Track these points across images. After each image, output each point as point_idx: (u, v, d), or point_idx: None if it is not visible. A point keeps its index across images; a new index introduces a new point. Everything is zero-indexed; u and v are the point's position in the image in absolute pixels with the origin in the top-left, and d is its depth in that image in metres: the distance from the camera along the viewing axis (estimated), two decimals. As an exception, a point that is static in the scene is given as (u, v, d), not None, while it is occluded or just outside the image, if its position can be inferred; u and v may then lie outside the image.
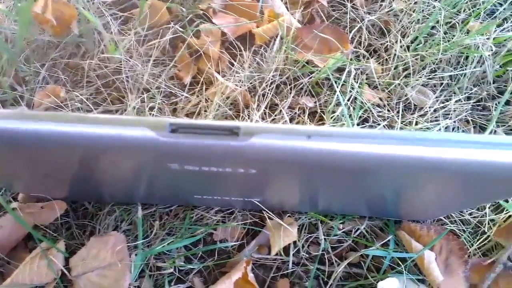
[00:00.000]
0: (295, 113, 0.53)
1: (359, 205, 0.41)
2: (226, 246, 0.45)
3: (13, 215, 0.42)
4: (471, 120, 0.53)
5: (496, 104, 0.55)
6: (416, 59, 0.57)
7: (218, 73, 0.55)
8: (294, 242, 0.45)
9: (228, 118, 0.51)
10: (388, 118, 0.53)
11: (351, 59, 0.57)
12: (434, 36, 0.59)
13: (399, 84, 0.55)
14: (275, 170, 0.27)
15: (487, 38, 0.57)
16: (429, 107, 0.53)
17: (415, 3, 0.61)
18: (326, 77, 0.55)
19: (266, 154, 0.23)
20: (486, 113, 0.55)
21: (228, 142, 0.22)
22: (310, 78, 0.55)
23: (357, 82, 0.54)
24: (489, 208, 0.48)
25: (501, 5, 0.64)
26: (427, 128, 0.51)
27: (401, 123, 0.52)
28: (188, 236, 0.45)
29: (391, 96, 0.55)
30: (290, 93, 0.54)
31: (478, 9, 0.61)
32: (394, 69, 0.56)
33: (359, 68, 0.56)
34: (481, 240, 0.46)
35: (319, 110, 0.53)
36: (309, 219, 0.46)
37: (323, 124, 0.52)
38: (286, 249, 0.45)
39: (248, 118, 0.51)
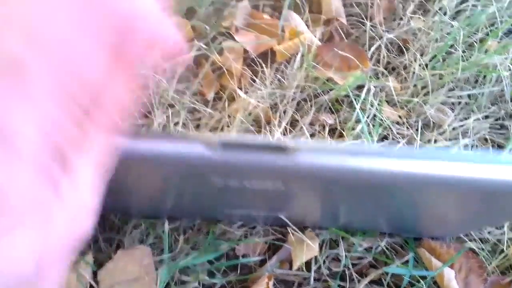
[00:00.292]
0: (316, 129, 0.54)
1: (381, 221, 0.42)
2: (248, 261, 0.46)
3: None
4: (490, 138, 0.54)
5: (514, 123, 0.56)
6: (435, 77, 0.58)
7: (240, 89, 0.56)
8: (315, 258, 0.46)
9: (250, 134, 0.53)
10: (407, 136, 0.53)
11: (370, 77, 0.58)
12: (452, 54, 0.60)
13: (418, 102, 0.56)
14: (315, 186, 0.28)
15: (505, 58, 0.58)
16: (448, 125, 0.54)
17: (433, 22, 0.62)
18: (345, 94, 0.56)
19: (313, 171, 0.24)
20: (504, 131, 0.55)
21: (277, 159, 0.23)
22: (330, 95, 0.56)
23: (376, 100, 0.55)
24: (507, 226, 0.48)
25: (518, 24, 0.65)
26: (446, 146, 0.52)
27: (420, 141, 0.53)
28: (211, 251, 0.46)
29: (410, 113, 0.56)
30: (311, 109, 0.55)
31: (496, 28, 0.62)
32: (413, 87, 0.57)
33: (378, 86, 0.57)
34: (500, 258, 0.47)
35: (338, 127, 0.54)
36: (330, 235, 0.47)
37: (343, 140, 0.53)
38: (307, 265, 0.46)
39: (270, 134, 0.53)
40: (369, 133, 0.52)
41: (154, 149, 0.22)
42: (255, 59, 0.59)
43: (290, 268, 0.46)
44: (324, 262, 0.46)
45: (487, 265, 0.46)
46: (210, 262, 0.46)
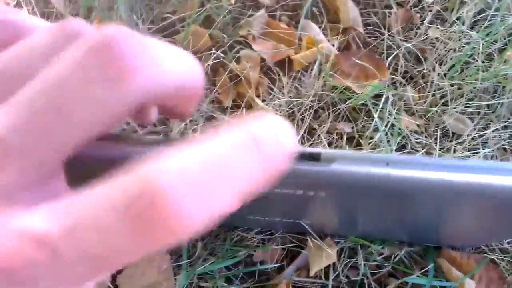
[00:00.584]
0: (333, 138, 0.54)
1: (402, 230, 0.41)
2: (266, 268, 0.46)
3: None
4: (509, 149, 0.54)
5: (533, 133, 0.55)
6: (453, 87, 0.57)
7: (258, 97, 0.56)
8: (334, 266, 0.46)
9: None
10: (426, 146, 0.53)
11: (388, 86, 0.58)
12: (471, 64, 0.60)
13: (436, 112, 0.55)
14: (344, 194, 0.28)
15: (525, 68, 0.58)
16: (467, 135, 0.54)
17: (451, 32, 0.62)
18: (363, 103, 0.56)
19: (346, 179, 0.24)
20: (524, 141, 0.55)
21: (311, 167, 0.23)
22: (348, 104, 0.56)
23: (394, 109, 0.55)
24: (528, 237, 0.48)
25: (537, 34, 0.64)
26: (466, 156, 0.52)
27: (439, 150, 0.52)
28: (229, 257, 0.46)
29: (428, 123, 0.55)
30: (328, 118, 0.55)
31: (515, 38, 0.62)
32: (432, 96, 0.57)
33: (396, 95, 0.57)
34: (520, 269, 0.46)
35: (356, 136, 0.54)
36: (348, 243, 0.47)
37: (361, 149, 0.53)
38: (325, 273, 0.46)
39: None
40: (388, 142, 0.52)
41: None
42: (272, 68, 0.59)
43: (308, 275, 0.45)
44: (342, 270, 0.46)
45: (507, 275, 0.46)
46: (227, 268, 0.46)
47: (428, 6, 0.65)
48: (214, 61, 0.59)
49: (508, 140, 0.54)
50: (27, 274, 0.14)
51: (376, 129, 0.53)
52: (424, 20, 0.64)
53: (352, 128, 0.55)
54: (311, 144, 0.53)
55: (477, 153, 0.52)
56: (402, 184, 0.24)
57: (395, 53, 0.61)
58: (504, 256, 0.47)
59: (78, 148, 0.16)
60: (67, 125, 0.15)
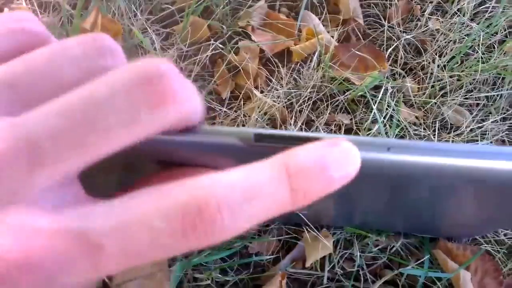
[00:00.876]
0: (331, 129, 0.54)
1: (400, 220, 0.41)
2: (262, 260, 0.46)
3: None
4: (507, 140, 0.54)
5: (533, 125, 0.55)
6: (453, 78, 0.57)
7: (256, 88, 0.56)
8: (330, 258, 0.46)
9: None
10: (424, 137, 0.53)
11: (387, 77, 0.58)
12: (470, 56, 0.60)
13: (435, 103, 0.55)
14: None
15: (525, 59, 0.57)
16: (466, 127, 0.54)
17: (452, 23, 0.62)
18: (362, 95, 0.56)
19: None
20: (523, 134, 0.55)
21: None
22: (346, 95, 0.56)
23: (393, 100, 0.55)
24: (525, 229, 0.48)
25: (539, 26, 0.64)
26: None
27: (437, 142, 0.52)
28: (224, 249, 0.46)
29: (427, 114, 0.55)
30: (327, 109, 0.55)
31: (516, 30, 0.62)
32: (431, 88, 0.56)
33: (395, 86, 0.57)
34: (517, 261, 0.46)
35: (354, 127, 0.54)
36: (344, 235, 0.47)
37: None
38: (321, 264, 0.46)
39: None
40: (386, 133, 0.52)
41: (189, 143, 0.22)
42: (271, 59, 0.59)
43: (304, 267, 0.45)
44: (338, 262, 0.46)
45: (502, 267, 0.45)
46: (223, 259, 0.46)
47: (429, -3, 0.65)
48: (212, 52, 0.58)
49: (507, 132, 0.54)
50: (63, 270, 0.15)
51: (374, 121, 0.53)
52: (424, 12, 0.64)
53: (351, 119, 0.55)
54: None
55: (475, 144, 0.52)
56: (404, 170, 0.23)
57: (395, 44, 0.61)
58: (500, 248, 0.47)
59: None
60: (102, 140, 0.16)
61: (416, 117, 0.55)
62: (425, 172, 0.24)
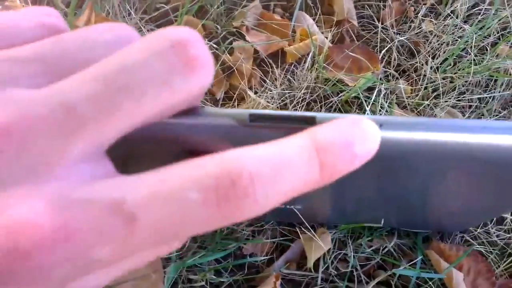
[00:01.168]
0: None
1: (391, 212, 0.41)
2: (256, 261, 0.46)
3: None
4: (500, 142, 0.54)
5: (525, 127, 0.55)
6: (446, 80, 0.58)
7: (250, 89, 0.56)
8: (324, 258, 0.46)
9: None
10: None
11: (380, 79, 0.58)
12: (463, 58, 0.60)
13: (428, 105, 0.56)
14: None
15: (517, 62, 0.58)
16: (458, 129, 0.54)
17: (445, 25, 0.62)
18: (355, 96, 0.56)
19: None
20: (515, 136, 0.55)
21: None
22: (340, 96, 0.56)
23: (386, 102, 0.55)
24: (517, 231, 0.48)
25: (530, 28, 0.64)
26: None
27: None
28: (219, 250, 0.46)
29: (420, 116, 0.55)
30: (320, 111, 0.55)
31: (508, 33, 0.62)
32: (424, 89, 0.57)
33: (388, 88, 0.57)
34: (508, 261, 0.47)
35: (348, 129, 0.54)
36: (338, 235, 0.47)
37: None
38: (315, 265, 0.46)
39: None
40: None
41: (184, 124, 0.22)
42: (266, 60, 0.59)
43: (298, 268, 0.46)
44: (332, 262, 0.46)
45: (495, 268, 0.46)
46: (217, 261, 0.46)
47: (422, -1, 0.65)
48: (206, 53, 0.58)
49: (499, 134, 0.54)
50: (97, 241, 0.14)
51: (368, 122, 0.53)
52: (418, 14, 0.64)
53: (344, 120, 0.55)
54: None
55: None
56: (397, 148, 0.23)
57: (388, 46, 0.61)
58: (493, 249, 0.47)
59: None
60: (137, 106, 0.16)
61: (410, 119, 0.55)
62: (419, 148, 0.23)
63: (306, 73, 0.57)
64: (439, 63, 0.59)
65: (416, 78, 0.58)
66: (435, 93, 0.57)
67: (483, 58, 0.60)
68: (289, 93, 0.56)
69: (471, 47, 0.60)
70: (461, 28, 0.62)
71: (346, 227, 0.46)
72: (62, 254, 0.14)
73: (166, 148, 0.24)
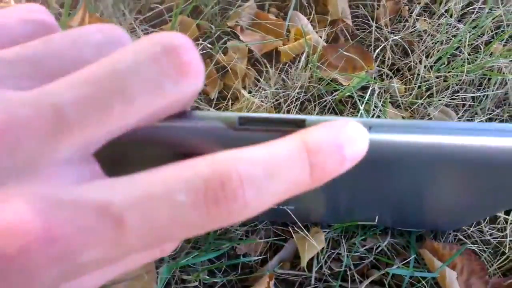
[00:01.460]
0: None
1: (384, 210, 0.41)
2: (249, 261, 0.46)
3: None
4: (494, 141, 0.54)
5: (518, 126, 0.55)
6: (439, 79, 0.58)
7: (244, 89, 0.56)
8: (317, 257, 0.46)
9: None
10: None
11: (374, 78, 0.58)
12: (457, 57, 0.60)
13: (422, 104, 0.56)
14: None
15: (510, 61, 0.58)
16: (452, 128, 0.54)
17: (439, 24, 0.62)
18: (349, 95, 0.56)
19: None
20: (509, 134, 0.55)
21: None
22: (334, 96, 0.56)
23: (380, 101, 0.55)
24: (510, 229, 0.48)
25: (524, 27, 0.64)
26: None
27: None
28: (212, 250, 0.46)
29: (413, 115, 0.56)
30: (314, 110, 0.55)
31: (502, 31, 0.62)
32: (418, 88, 0.57)
33: (382, 87, 0.57)
34: (501, 260, 0.47)
35: (342, 128, 0.54)
36: (332, 234, 0.47)
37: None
38: (308, 265, 0.46)
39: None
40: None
41: (173, 127, 0.22)
42: (260, 59, 0.59)
43: (291, 267, 0.46)
44: (325, 262, 0.46)
45: (488, 267, 0.46)
46: (210, 261, 0.46)
47: (416, -2, 0.65)
48: (201, 52, 0.58)
49: (493, 133, 0.55)
50: (84, 244, 0.14)
51: (361, 121, 0.53)
52: (412, 13, 0.64)
53: (338, 120, 0.55)
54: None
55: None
56: (387, 150, 0.23)
57: (382, 45, 0.61)
58: (486, 248, 0.47)
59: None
60: (127, 108, 0.16)
61: (403, 118, 0.55)
62: (409, 151, 0.23)
63: (300, 72, 0.57)
64: (433, 62, 0.59)
65: (410, 77, 0.58)
66: (429, 92, 0.57)
67: (476, 57, 0.60)
68: (283, 92, 0.56)
69: (464, 46, 0.60)
70: (455, 27, 0.62)
71: (339, 226, 0.46)
72: (48, 257, 0.14)
73: (157, 151, 0.24)
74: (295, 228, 0.46)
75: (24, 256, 0.13)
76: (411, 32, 0.62)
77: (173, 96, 0.17)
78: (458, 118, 0.55)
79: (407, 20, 0.64)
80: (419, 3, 0.65)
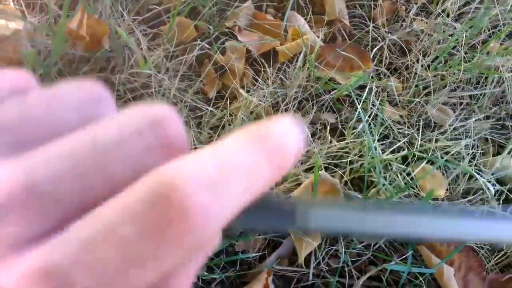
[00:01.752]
0: (317, 128, 0.54)
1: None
2: (248, 257, 0.46)
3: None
4: (490, 138, 0.54)
5: (515, 124, 0.56)
6: (436, 78, 0.58)
7: (243, 88, 0.57)
8: (315, 254, 0.46)
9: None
10: (408, 135, 0.54)
11: (372, 77, 0.58)
12: (454, 56, 0.60)
13: (419, 102, 0.56)
14: None
15: (507, 60, 0.58)
16: (449, 125, 0.54)
17: (436, 24, 0.63)
18: (347, 94, 0.57)
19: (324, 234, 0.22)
20: (505, 132, 0.55)
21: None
22: (332, 94, 0.56)
23: (378, 100, 0.56)
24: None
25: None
26: (447, 146, 0.52)
27: (421, 140, 0.53)
28: (211, 246, 0.46)
29: (411, 113, 0.56)
30: (312, 109, 0.55)
31: (499, 31, 0.62)
32: (415, 87, 0.57)
33: (380, 86, 0.57)
34: (499, 256, 0.47)
35: (340, 126, 0.54)
36: (329, 232, 0.47)
37: (344, 139, 0.53)
38: (306, 261, 0.46)
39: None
40: (370, 132, 0.53)
41: None
42: (258, 59, 0.60)
43: (290, 264, 0.46)
44: (323, 258, 0.46)
45: (486, 263, 0.46)
46: (209, 257, 0.46)
47: (413, -2, 0.66)
48: (199, 52, 0.59)
49: (490, 130, 0.55)
50: None
51: (359, 120, 0.54)
52: (409, 12, 0.64)
53: (336, 118, 0.55)
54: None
55: (459, 143, 0.52)
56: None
57: (380, 45, 0.61)
58: (484, 244, 0.47)
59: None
60: (105, 183, 0.14)
61: (400, 116, 0.55)
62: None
63: (297, 72, 0.57)
64: (430, 61, 0.60)
65: (407, 76, 0.59)
66: (426, 91, 0.57)
67: (473, 56, 0.60)
68: (281, 91, 0.56)
69: (461, 45, 0.60)
70: (452, 26, 0.63)
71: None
72: None
73: None
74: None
75: None
76: (408, 31, 0.63)
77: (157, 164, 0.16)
78: (456, 116, 0.55)
79: (404, 20, 0.64)
80: (416, 3, 0.65)
